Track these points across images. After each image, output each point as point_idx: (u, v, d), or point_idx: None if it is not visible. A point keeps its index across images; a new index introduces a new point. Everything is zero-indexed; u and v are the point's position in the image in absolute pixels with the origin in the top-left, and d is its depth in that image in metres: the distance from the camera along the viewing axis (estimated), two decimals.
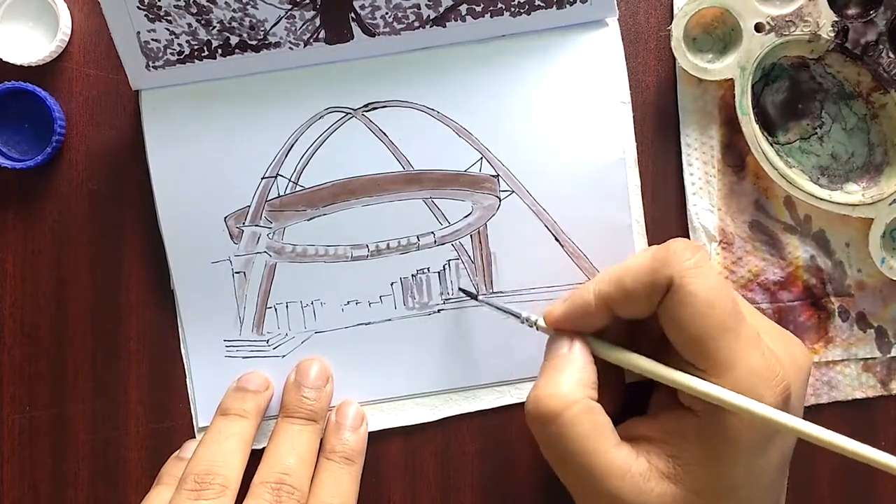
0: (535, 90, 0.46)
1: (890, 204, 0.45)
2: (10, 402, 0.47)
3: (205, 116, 0.46)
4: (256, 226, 0.46)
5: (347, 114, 0.46)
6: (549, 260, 0.46)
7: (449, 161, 0.46)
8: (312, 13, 0.44)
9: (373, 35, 0.45)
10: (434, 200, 0.46)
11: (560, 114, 0.46)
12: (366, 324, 0.47)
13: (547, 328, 0.41)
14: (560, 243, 0.46)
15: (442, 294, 0.46)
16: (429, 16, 0.45)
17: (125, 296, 0.47)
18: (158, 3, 0.44)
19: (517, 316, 0.42)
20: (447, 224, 0.46)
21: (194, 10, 0.44)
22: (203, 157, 0.46)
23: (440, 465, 0.47)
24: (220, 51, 0.45)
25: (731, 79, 0.45)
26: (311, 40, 0.45)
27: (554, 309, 0.40)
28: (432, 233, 0.46)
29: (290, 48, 0.45)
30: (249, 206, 0.46)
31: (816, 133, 0.47)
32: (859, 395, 0.47)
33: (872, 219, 0.45)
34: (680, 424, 0.37)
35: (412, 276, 0.46)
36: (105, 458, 0.47)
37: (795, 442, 0.38)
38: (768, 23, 0.44)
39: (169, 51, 0.45)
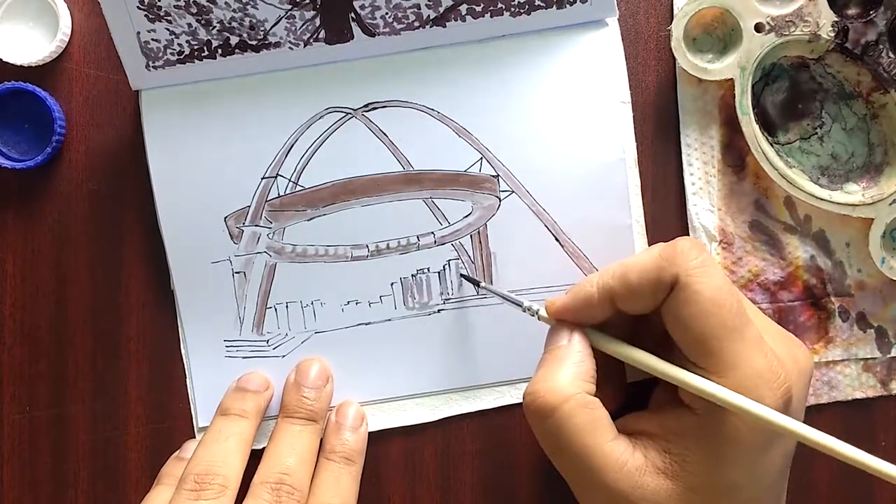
0: (536, 90, 0.46)
1: (890, 204, 0.45)
2: (10, 402, 0.47)
3: (205, 116, 0.46)
4: (256, 226, 0.46)
5: (347, 114, 0.46)
6: (549, 260, 0.46)
7: (449, 161, 0.46)
8: (312, 13, 0.44)
9: (373, 35, 0.45)
10: (434, 200, 0.46)
11: (560, 114, 0.46)
12: (366, 324, 0.47)
13: (548, 318, 0.40)
14: (560, 243, 0.46)
15: (442, 294, 0.46)
16: (429, 16, 0.45)
17: (125, 296, 0.47)
18: (158, 3, 0.44)
19: (519, 304, 0.42)
20: (447, 224, 0.46)
21: (194, 10, 0.44)
22: (203, 157, 0.46)
23: (440, 465, 0.47)
24: (220, 51, 0.45)
25: (731, 79, 0.45)
26: (311, 40, 0.45)
27: (556, 299, 0.40)
28: (432, 233, 0.46)
29: (290, 48, 0.45)
30: (249, 206, 0.46)
31: (816, 133, 0.47)
32: (859, 395, 0.47)
33: (872, 219, 0.45)
34: (679, 422, 0.37)
35: (412, 276, 0.46)
36: (105, 458, 0.47)
37: (797, 443, 0.38)
38: (768, 23, 0.44)
39: (169, 51, 0.45)
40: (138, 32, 0.44)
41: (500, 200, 0.46)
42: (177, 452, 0.46)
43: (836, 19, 0.44)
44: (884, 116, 0.46)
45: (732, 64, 0.45)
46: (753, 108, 0.45)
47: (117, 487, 0.47)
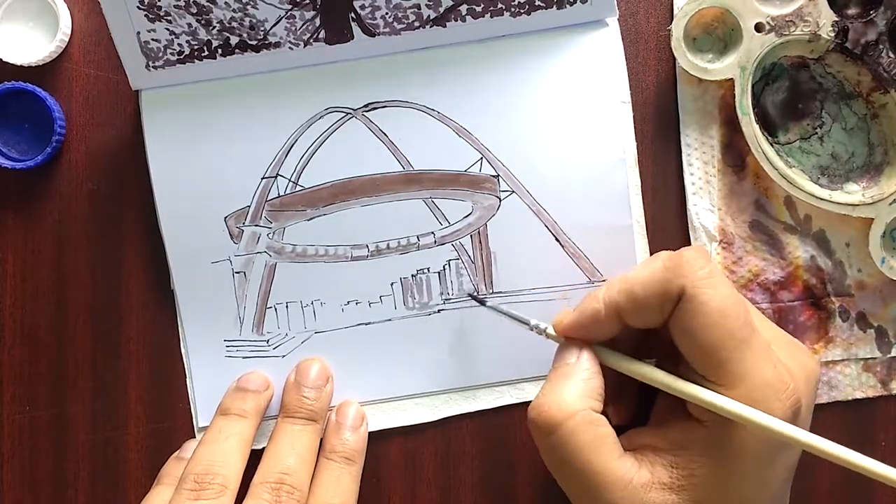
0: (536, 90, 0.46)
1: (890, 204, 0.45)
2: (10, 402, 0.47)
3: (205, 116, 0.46)
4: (256, 226, 0.46)
5: (347, 114, 0.46)
6: (550, 260, 0.46)
7: (449, 161, 0.46)
8: (312, 13, 0.44)
9: (373, 35, 0.45)
10: (434, 200, 0.46)
11: (560, 114, 0.46)
12: (366, 324, 0.47)
13: (556, 336, 0.40)
14: (560, 243, 0.46)
15: (442, 294, 0.46)
16: (429, 16, 0.45)
17: (125, 296, 0.47)
18: (158, 3, 0.44)
19: (526, 323, 0.42)
20: (447, 224, 0.46)
21: (194, 10, 0.44)
22: (203, 156, 0.46)
23: (440, 465, 0.47)
24: (220, 51, 0.45)
25: (732, 79, 0.45)
26: (311, 40, 0.45)
27: (563, 317, 0.39)
28: (432, 233, 0.46)
29: (290, 48, 0.45)
30: (249, 206, 0.46)
31: (816, 133, 0.47)
32: (859, 395, 0.47)
33: (872, 219, 0.45)
34: (687, 435, 0.37)
35: (412, 276, 0.46)
36: (105, 458, 0.47)
37: (801, 453, 0.38)
38: (768, 23, 0.44)
39: (169, 51, 0.45)
40: (138, 32, 0.44)
41: (500, 200, 0.46)
42: (177, 452, 0.46)
43: (836, 19, 0.44)
44: (884, 116, 0.46)
45: (732, 64, 0.45)
46: (753, 108, 0.45)
47: (117, 487, 0.47)
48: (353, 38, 0.45)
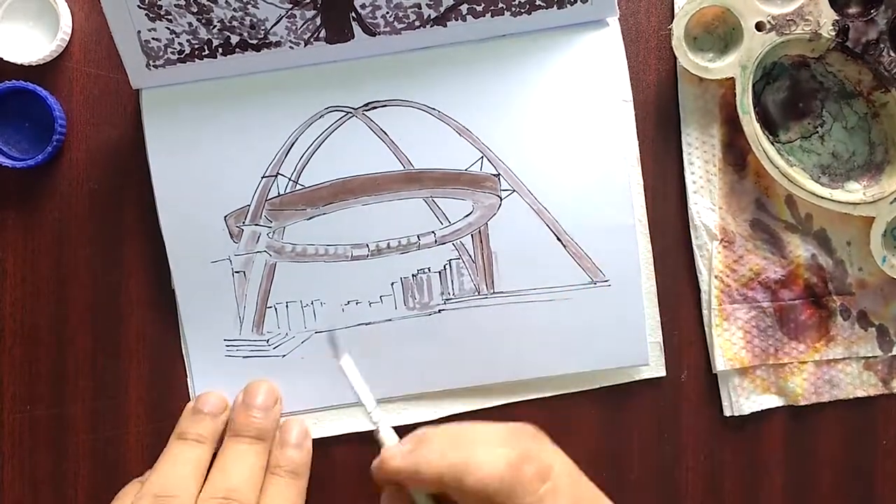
0: (536, 89, 0.46)
1: (891, 202, 0.45)
2: (11, 401, 0.47)
3: (205, 115, 0.46)
4: (256, 225, 0.46)
5: (348, 113, 0.46)
6: (551, 259, 0.46)
7: (449, 160, 0.46)
8: (313, 12, 0.44)
9: (373, 34, 0.45)
10: (435, 199, 0.46)
11: (561, 113, 0.46)
12: (366, 324, 0.47)
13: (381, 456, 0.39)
14: (562, 243, 0.46)
15: (442, 294, 0.46)
16: (429, 15, 0.45)
17: (125, 296, 0.47)
18: (159, 3, 0.44)
19: (365, 405, 0.42)
20: (448, 223, 0.46)
21: (195, 10, 0.44)
22: (203, 155, 0.46)
23: None
24: (220, 50, 0.45)
25: (732, 78, 0.45)
26: (312, 39, 0.45)
27: (392, 456, 0.38)
28: (433, 232, 0.46)
29: (291, 47, 0.45)
30: (249, 205, 0.46)
31: (817, 132, 0.47)
32: (860, 393, 0.47)
33: (873, 217, 0.45)
34: None
35: (412, 275, 0.46)
36: (105, 458, 0.47)
37: None
38: (769, 22, 0.44)
39: (169, 50, 0.45)
40: (139, 31, 0.44)
41: (500, 199, 0.46)
42: (137, 478, 0.45)
43: (836, 18, 0.44)
44: (884, 115, 0.46)
45: (733, 63, 0.45)
46: (754, 107, 0.45)
47: (117, 487, 0.47)
48: (353, 38, 0.45)
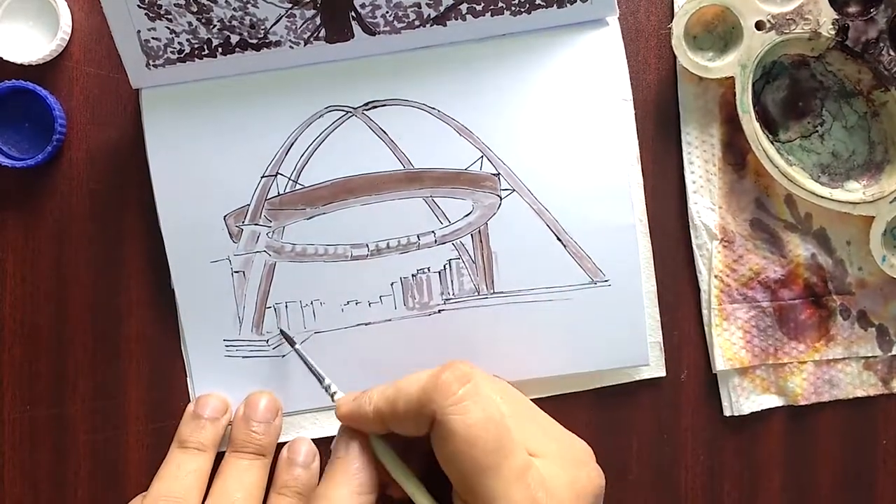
0: (536, 88, 0.46)
1: (891, 202, 0.45)
2: (10, 402, 0.47)
3: (205, 115, 0.46)
4: (256, 224, 0.46)
5: (347, 112, 0.46)
6: (551, 259, 0.46)
7: (449, 159, 0.46)
8: (313, 12, 0.44)
9: (373, 34, 0.45)
10: (434, 199, 0.46)
11: (561, 112, 0.46)
12: (366, 324, 0.47)
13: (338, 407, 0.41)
14: (562, 243, 0.46)
15: (442, 294, 0.46)
16: (429, 14, 0.45)
17: (125, 296, 0.47)
18: (159, 2, 0.44)
19: (321, 381, 0.43)
20: (448, 223, 0.46)
21: (195, 9, 0.44)
22: (203, 155, 0.46)
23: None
24: (220, 49, 0.45)
25: (732, 77, 0.45)
26: (312, 39, 0.45)
27: (344, 402, 0.40)
28: (433, 232, 0.46)
29: (291, 47, 0.45)
30: (249, 205, 0.46)
31: (817, 131, 0.47)
32: (860, 393, 0.47)
33: (873, 217, 0.45)
34: None
35: (412, 275, 0.46)
36: (105, 458, 0.47)
37: None
38: (769, 21, 0.44)
39: (169, 49, 0.45)
40: (139, 31, 0.44)
41: (500, 199, 0.46)
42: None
43: (836, 17, 0.44)
44: (884, 114, 0.46)
45: (733, 62, 0.45)
46: (754, 106, 0.45)
47: (117, 487, 0.47)
48: (353, 37, 0.45)
